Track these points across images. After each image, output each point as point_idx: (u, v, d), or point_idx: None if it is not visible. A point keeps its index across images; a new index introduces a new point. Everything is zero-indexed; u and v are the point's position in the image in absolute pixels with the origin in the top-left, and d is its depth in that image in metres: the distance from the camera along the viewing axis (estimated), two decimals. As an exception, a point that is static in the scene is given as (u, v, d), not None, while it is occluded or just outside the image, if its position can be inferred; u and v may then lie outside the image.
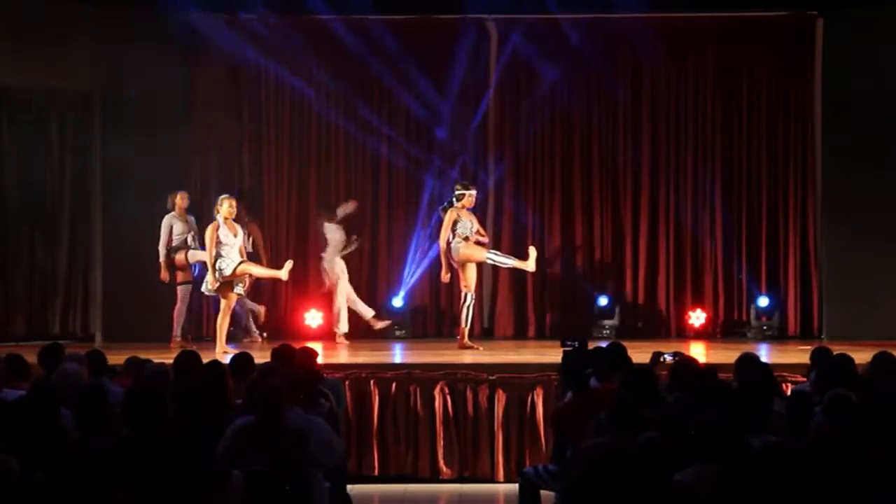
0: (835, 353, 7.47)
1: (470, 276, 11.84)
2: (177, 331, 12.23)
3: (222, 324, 11.30)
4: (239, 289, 11.40)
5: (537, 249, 13.20)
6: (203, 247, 11.70)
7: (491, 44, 13.88)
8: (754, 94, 13.80)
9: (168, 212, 12.37)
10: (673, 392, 6.64)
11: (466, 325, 11.86)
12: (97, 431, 5.39)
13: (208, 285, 11.31)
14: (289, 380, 6.50)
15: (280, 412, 5.90)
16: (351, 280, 13.71)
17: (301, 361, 7.65)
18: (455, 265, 11.85)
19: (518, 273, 13.74)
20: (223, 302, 11.32)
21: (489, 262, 12.03)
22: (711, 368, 7.25)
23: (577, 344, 8.49)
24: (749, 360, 7.29)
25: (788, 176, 13.80)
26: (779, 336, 13.30)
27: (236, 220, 11.46)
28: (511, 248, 13.74)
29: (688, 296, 13.80)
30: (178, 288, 12.36)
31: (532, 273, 12.86)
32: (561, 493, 6.34)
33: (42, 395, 5.75)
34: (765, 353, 10.92)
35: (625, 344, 8.00)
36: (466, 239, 11.75)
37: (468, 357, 11.03)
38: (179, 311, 12.31)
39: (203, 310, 13.08)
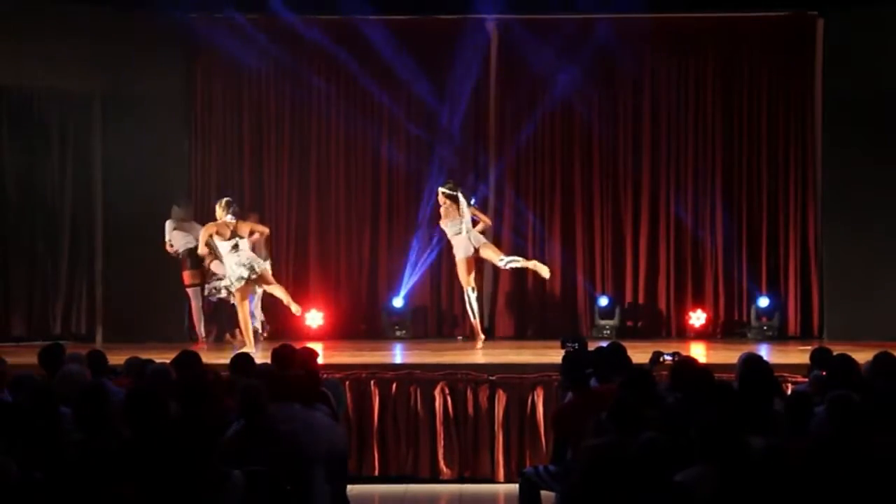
0: (835, 353, 7.47)
1: (466, 270, 11.98)
2: (200, 329, 12.39)
3: (248, 323, 11.50)
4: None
5: (537, 249, 13.43)
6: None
7: (491, 44, 13.88)
8: (754, 94, 13.81)
9: (179, 217, 12.51)
10: (673, 392, 6.63)
11: (476, 319, 12.00)
12: (97, 432, 5.39)
13: (233, 286, 11.40)
14: (286, 381, 6.49)
15: (262, 411, 5.89)
16: (352, 281, 13.80)
17: (301, 362, 7.64)
18: (466, 257, 11.96)
19: (518, 273, 13.77)
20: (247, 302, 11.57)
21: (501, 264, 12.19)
22: (707, 369, 7.23)
23: (577, 344, 8.47)
24: (752, 360, 7.28)
25: (788, 176, 13.80)
26: (779, 336, 13.29)
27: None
28: (511, 249, 13.80)
29: (688, 296, 13.81)
30: (189, 290, 12.46)
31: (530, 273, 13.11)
32: (561, 494, 6.35)
33: (42, 396, 5.74)
34: (765, 353, 10.89)
35: (625, 344, 8.00)
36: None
37: (468, 357, 11.04)
38: (198, 311, 12.42)
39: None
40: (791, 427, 5.79)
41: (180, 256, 12.53)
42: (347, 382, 9.62)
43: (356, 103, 13.83)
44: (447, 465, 9.74)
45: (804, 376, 8.33)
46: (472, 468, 9.77)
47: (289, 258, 13.91)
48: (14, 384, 6.51)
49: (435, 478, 9.73)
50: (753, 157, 13.83)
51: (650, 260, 13.92)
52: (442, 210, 12.10)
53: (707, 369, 7.21)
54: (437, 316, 14.02)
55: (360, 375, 9.83)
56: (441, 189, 12.16)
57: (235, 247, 11.30)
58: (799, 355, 10.36)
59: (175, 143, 13.21)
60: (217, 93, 13.79)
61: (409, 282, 13.74)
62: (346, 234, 13.94)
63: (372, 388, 9.79)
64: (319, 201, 13.91)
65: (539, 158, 14.01)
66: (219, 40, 13.28)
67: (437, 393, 9.76)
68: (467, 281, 12.02)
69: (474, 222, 12.16)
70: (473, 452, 9.76)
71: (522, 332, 13.88)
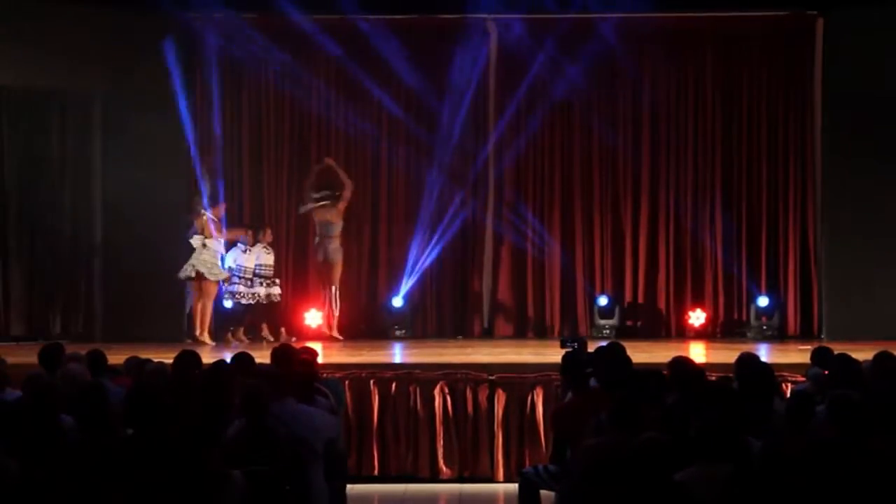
0: (835, 352, 7.47)
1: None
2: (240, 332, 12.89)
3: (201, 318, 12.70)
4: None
5: (537, 249, 13.51)
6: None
7: (491, 43, 13.87)
8: (754, 94, 13.81)
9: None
10: (672, 392, 6.63)
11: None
12: (97, 431, 5.38)
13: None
14: (281, 379, 6.49)
15: (263, 411, 5.88)
16: (351, 280, 13.83)
17: (301, 361, 7.63)
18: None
19: (518, 273, 13.82)
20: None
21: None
22: (703, 369, 7.23)
23: (577, 344, 8.47)
24: (750, 360, 7.27)
25: (788, 176, 13.80)
26: (779, 336, 13.30)
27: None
28: (511, 249, 13.86)
29: (688, 296, 13.81)
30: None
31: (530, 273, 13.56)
32: (561, 494, 6.34)
33: (42, 395, 5.74)
34: (765, 353, 10.92)
35: (625, 344, 7.99)
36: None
37: (468, 357, 11.05)
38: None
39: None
40: (792, 426, 5.78)
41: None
42: (347, 382, 9.62)
43: (356, 103, 13.83)
44: (447, 465, 9.74)
45: (804, 376, 8.33)
46: (471, 468, 9.76)
47: (289, 258, 13.90)
48: (27, 382, 6.48)
49: (434, 477, 9.73)
50: (753, 156, 13.83)
51: (650, 259, 13.93)
52: (336, 210, 13.17)
53: (703, 369, 7.21)
54: (437, 316, 14.02)
55: (359, 375, 9.83)
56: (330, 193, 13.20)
57: (203, 245, 12.63)
58: (799, 355, 10.36)
59: (175, 143, 13.18)
60: (217, 93, 13.77)
61: (408, 282, 13.74)
62: (345, 234, 13.92)
63: (371, 387, 9.79)
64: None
65: (539, 158, 14.02)
66: (219, 40, 13.28)
67: (436, 393, 9.76)
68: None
69: None
70: (473, 452, 9.76)
71: (522, 332, 13.88)
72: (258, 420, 5.84)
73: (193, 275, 12.56)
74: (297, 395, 6.55)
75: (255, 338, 12.86)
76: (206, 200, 12.88)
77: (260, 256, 12.94)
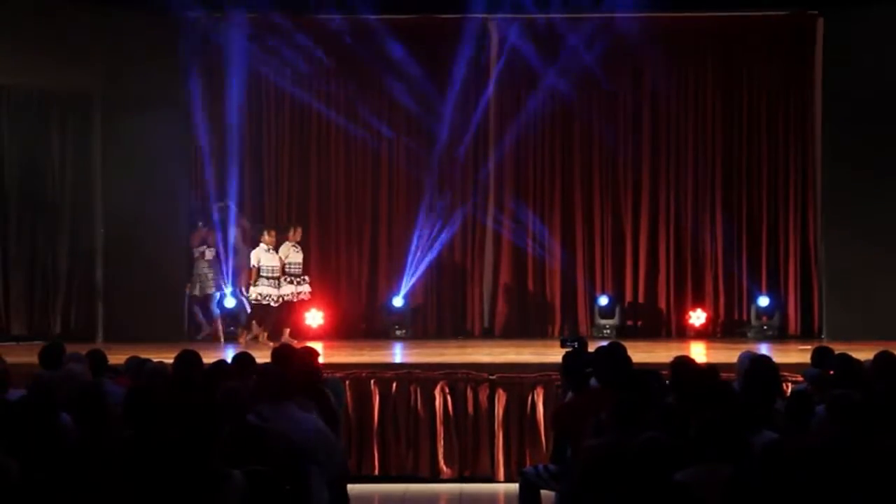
0: (835, 352, 7.46)
1: None
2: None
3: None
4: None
5: (538, 249, 13.48)
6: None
7: (492, 43, 13.88)
8: (754, 94, 13.82)
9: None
10: (672, 392, 6.63)
11: None
12: (97, 431, 5.38)
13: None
14: (282, 382, 6.48)
15: (243, 412, 5.87)
16: (352, 281, 13.85)
17: (301, 361, 7.63)
18: None
19: (518, 273, 13.83)
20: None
21: None
22: (705, 370, 7.22)
23: (576, 344, 8.47)
24: (760, 360, 7.23)
25: (788, 176, 13.81)
26: (779, 336, 13.30)
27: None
28: (511, 249, 13.87)
29: (688, 296, 13.81)
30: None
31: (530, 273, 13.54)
32: (561, 493, 6.35)
33: (42, 395, 5.74)
34: (765, 353, 10.90)
35: (625, 344, 7.98)
36: None
37: (468, 357, 11.06)
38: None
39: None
40: (792, 426, 5.78)
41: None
42: (347, 382, 9.62)
43: (356, 103, 13.83)
44: (447, 465, 9.75)
45: (801, 376, 8.33)
46: (472, 468, 9.77)
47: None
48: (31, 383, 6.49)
49: (435, 477, 9.74)
50: (753, 156, 13.84)
51: (650, 259, 13.93)
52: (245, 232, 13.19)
53: (705, 370, 7.20)
54: (437, 316, 14.02)
55: (360, 375, 9.84)
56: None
57: (202, 254, 13.11)
58: (799, 355, 10.36)
59: (175, 142, 13.18)
60: (217, 93, 13.77)
61: (409, 282, 13.74)
62: (346, 234, 13.94)
63: (372, 387, 9.79)
64: (319, 201, 13.91)
65: (539, 158, 14.02)
66: (219, 40, 13.28)
67: (437, 392, 9.77)
68: None
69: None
70: (473, 452, 9.77)
71: (523, 332, 13.88)
72: (238, 421, 5.83)
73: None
74: (300, 395, 6.55)
75: (275, 339, 12.25)
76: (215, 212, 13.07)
77: (289, 255, 12.78)
